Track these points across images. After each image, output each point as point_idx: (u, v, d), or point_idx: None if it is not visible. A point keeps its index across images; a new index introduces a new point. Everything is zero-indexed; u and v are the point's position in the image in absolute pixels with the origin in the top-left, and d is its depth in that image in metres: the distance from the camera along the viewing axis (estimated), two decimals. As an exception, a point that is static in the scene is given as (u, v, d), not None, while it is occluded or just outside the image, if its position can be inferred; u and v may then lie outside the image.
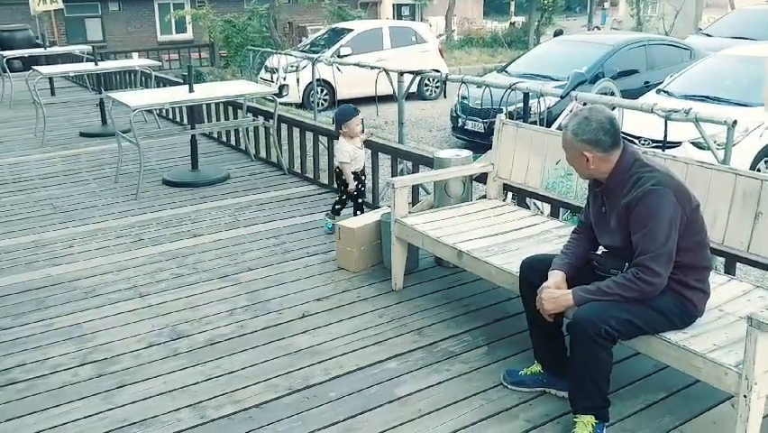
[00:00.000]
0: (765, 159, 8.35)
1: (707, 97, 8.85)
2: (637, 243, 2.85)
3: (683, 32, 22.17)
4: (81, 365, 3.60)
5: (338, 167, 5.29)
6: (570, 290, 2.97)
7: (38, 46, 15.76)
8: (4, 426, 3.12)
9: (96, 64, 9.63)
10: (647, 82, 11.08)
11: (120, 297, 4.41)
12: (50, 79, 11.97)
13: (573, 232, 3.29)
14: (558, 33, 19.38)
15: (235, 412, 3.18)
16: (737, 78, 9.28)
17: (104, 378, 3.48)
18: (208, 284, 4.57)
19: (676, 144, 7.61)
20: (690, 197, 2.90)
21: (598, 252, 3.17)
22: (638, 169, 2.91)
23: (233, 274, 4.71)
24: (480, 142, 9.93)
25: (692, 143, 7.80)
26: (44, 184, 7.01)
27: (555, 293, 2.99)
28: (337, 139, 5.35)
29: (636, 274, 2.83)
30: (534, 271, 3.19)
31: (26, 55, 12.92)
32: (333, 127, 5.64)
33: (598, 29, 32.20)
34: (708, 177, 3.44)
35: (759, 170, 8.08)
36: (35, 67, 10.01)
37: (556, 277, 3.06)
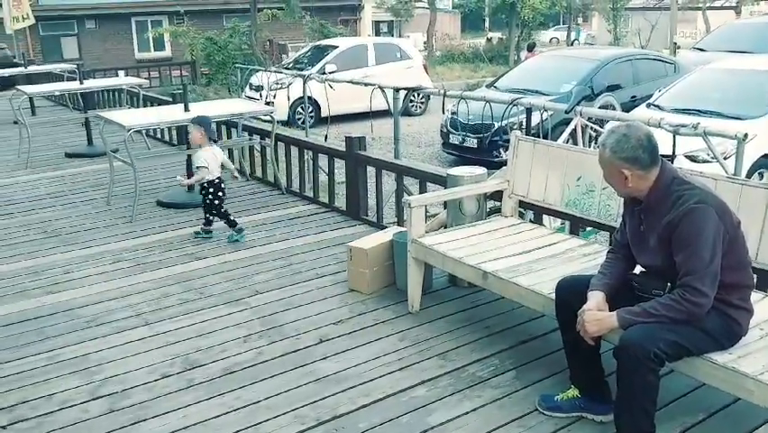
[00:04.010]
0: (759, 171, 8.38)
1: (698, 111, 8.86)
2: (681, 263, 2.77)
3: (658, 47, 22.47)
4: (91, 400, 3.42)
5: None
6: (613, 313, 2.87)
7: (15, 65, 15.46)
8: (17, 468, 2.94)
9: (82, 83, 9.42)
10: (634, 97, 11.11)
11: (126, 325, 4.22)
12: (31, 99, 11.72)
13: (609, 251, 3.20)
14: (531, 47, 19.45)
15: (263, 447, 3.04)
16: (727, 91, 9.33)
17: (117, 414, 3.30)
18: (218, 309, 4.41)
19: (670, 158, 7.60)
20: (732, 214, 2.82)
21: (637, 271, 3.09)
22: (678, 186, 2.83)
23: (243, 298, 4.56)
24: (471, 158, 9.85)
25: (687, 156, 7.80)
26: (33, 207, 6.80)
27: (598, 315, 2.89)
28: (340, 158, 5.29)
29: (683, 295, 2.74)
30: (572, 292, 3.09)
31: (6, 75, 12.64)
32: (339, 147, 5.63)
33: (578, 43, 32.55)
34: (737, 192, 3.37)
35: (755, 183, 8.08)
36: (19, 86, 9.78)
37: (597, 298, 2.96)
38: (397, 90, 7.72)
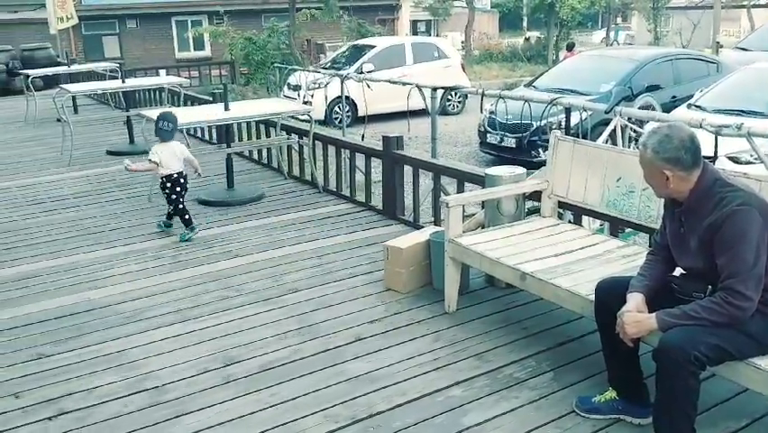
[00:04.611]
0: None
1: (741, 111, 8.68)
2: (724, 265, 2.72)
3: (700, 46, 22.06)
4: (132, 394, 3.47)
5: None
6: (653, 315, 2.83)
7: (58, 64, 15.78)
8: (60, 459, 3.01)
9: (124, 82, 9.58)
10: (674, 97, 10.93)
11: (165, 321, 4.28)
12: (74, 97, 11.96)
13: (649, 253, 3.16)
14: (570, 46, 19.26)
15: (299, 444, 3.06)
16: (772, 90, 9.12)
17: (158, 408, 3.35)
18: (255, 307, 4.44)
19: (712, 159, 7.47)
20: (775, 216, 2.76)
21: (677, 274, 3.04)
22: (720, 188, 2.78)
23: (279, 296, 4.59)
24: (509, 158, 9.78)
25: (729, 158, 7.65)
26: (75, 204, 6.93)
27: (638, 317, 2.85)
28: (377, 157, 5.30)
29: (725, 298, 2.69)
30: (612, 294, 3.05)
31: (50, 74, 12.90)
32: (376, 146, 5.63)
33: (618, 44, 32.12)
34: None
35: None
36: (63, 85, 9.97)
37: (637, 300, 2.92)
38: (434, 90, 7.72)
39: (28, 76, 12.06)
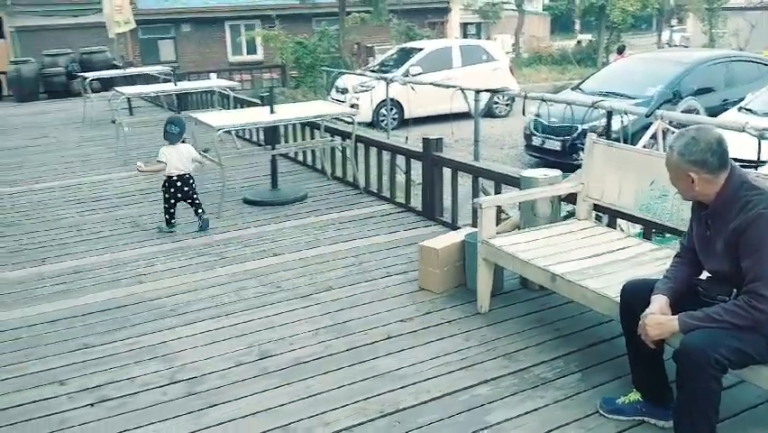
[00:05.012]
0: None
1: (794, 115, 8.49)
2: (748, 269, 2.71)
3: (759, 48, 21.48)
4: (170, 384, 3.62)
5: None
6: (675, 317, 2.84)
7: (115, 67, 16.27)
8: (99, 442, 3.16)
9: (176, 84, 9.86)
10: (726, 100, 10.73)
11: (205, 315, 4.44)
12: (129, 99, 12.33)
13: (675, 256, 3.16)
14: (621, 49, 19.01)
15: (325, 436, 3.15)
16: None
17: (193, 397, 3.49)
18: (291, 303, 4.56)
19: (755, 164, 7.33)
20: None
21: (703, 277, 3.04)
22: (746, 191, 2.78)
23: (315, 294, 4.70)
24: (555, 161, 9.76)
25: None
26: (126, 202, 7.18)
27: (660, 319, 2.86)
28: (417, 159, 5.39)
29: (749, 302, 2.69)
30: (637, 296, 3.06)
31: (106, 76, 13.33)
32: (415, 148, 5.72)
33: (669, 46, 31.49)
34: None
35: None
36: (117, 87, 10.32)
37: (660, 302, 2.93)
38: (477, 92, 7.77)
39: (85, 78, 12.49)
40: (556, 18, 39.81)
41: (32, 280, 5.15)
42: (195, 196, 6.13)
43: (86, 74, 13.03)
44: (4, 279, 5.18)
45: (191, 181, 6.11)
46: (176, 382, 3.62)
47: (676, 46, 30.95)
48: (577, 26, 40.98)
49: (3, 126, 13.16)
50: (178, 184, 6.03)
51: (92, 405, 3.44)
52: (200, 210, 6.13)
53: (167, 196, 6.08)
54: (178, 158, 6.01)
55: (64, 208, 7.07)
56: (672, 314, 2.88)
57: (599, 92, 10.63)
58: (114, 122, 9.92)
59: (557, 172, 4.55)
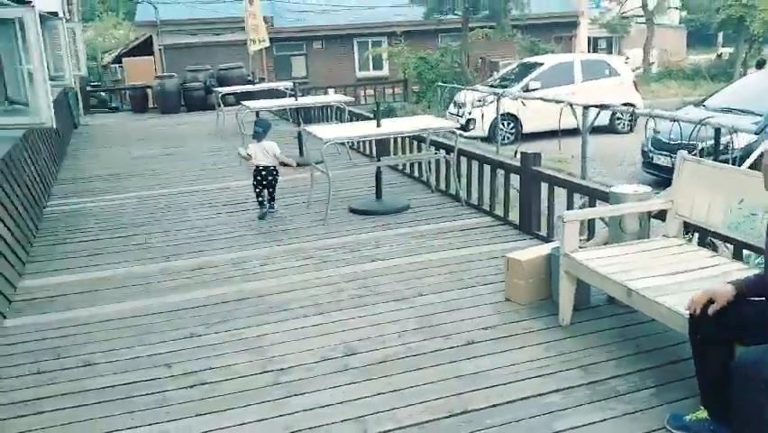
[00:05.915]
0: None
1: None
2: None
3: None
4: (259, 374, 3.93)
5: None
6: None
7: (249, 82, 17.24)
8: (192, 420, 3.51)
9: (296, 99, 10.40)
10: None
11: (303, 313, 4.76)
12: (257, 113, 13.07)
13: (755, 275, 3.13)
14: (761, 64, 17.97)
15: (394, 429, 3.34)
16: None
17: (277, 387, 3.78)
18: (383, 306, 4.80)
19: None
20: None
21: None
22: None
23: (406, 298, 4.92)
24: (669, 178, 9.48)
25: None
26: (245, 207, 7.69)
27: (710, 288, 2.94)
28: (515, 173, 5.58)
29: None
30: (707, 315, 3.06)
31: (238, 91, 14.19)
32: (515, 162, 5.87)
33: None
34: None
35: None
36: (243, 102, 11.00)
37: (726, 286, 2.97)
38: (585, 108, 7.76)
39: (219, 93, 13.36)
40: (696, 31, 38.22)
41: (155, 275, 5.68)
42: (273, 186, 7.20)
43: (219, 89, 13.92)
44: (130, 273, 5.75)
45: (275, 173, 7.18)
46: (263, 373, 3.94)
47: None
48: (719, 39, 39.11)
49: (146, 136, 14.33)
50: (263, 173, 7.13)
51: (191, 387, 3.81)
52: (272, 201, 7.23)
53: (254, 183, 7.21)
54: (262, 153, 7.11)
55: (193, 212, 7.67)
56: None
57: (724, 108, 10.25)
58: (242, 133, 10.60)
59: (647, 188, 4.54)
